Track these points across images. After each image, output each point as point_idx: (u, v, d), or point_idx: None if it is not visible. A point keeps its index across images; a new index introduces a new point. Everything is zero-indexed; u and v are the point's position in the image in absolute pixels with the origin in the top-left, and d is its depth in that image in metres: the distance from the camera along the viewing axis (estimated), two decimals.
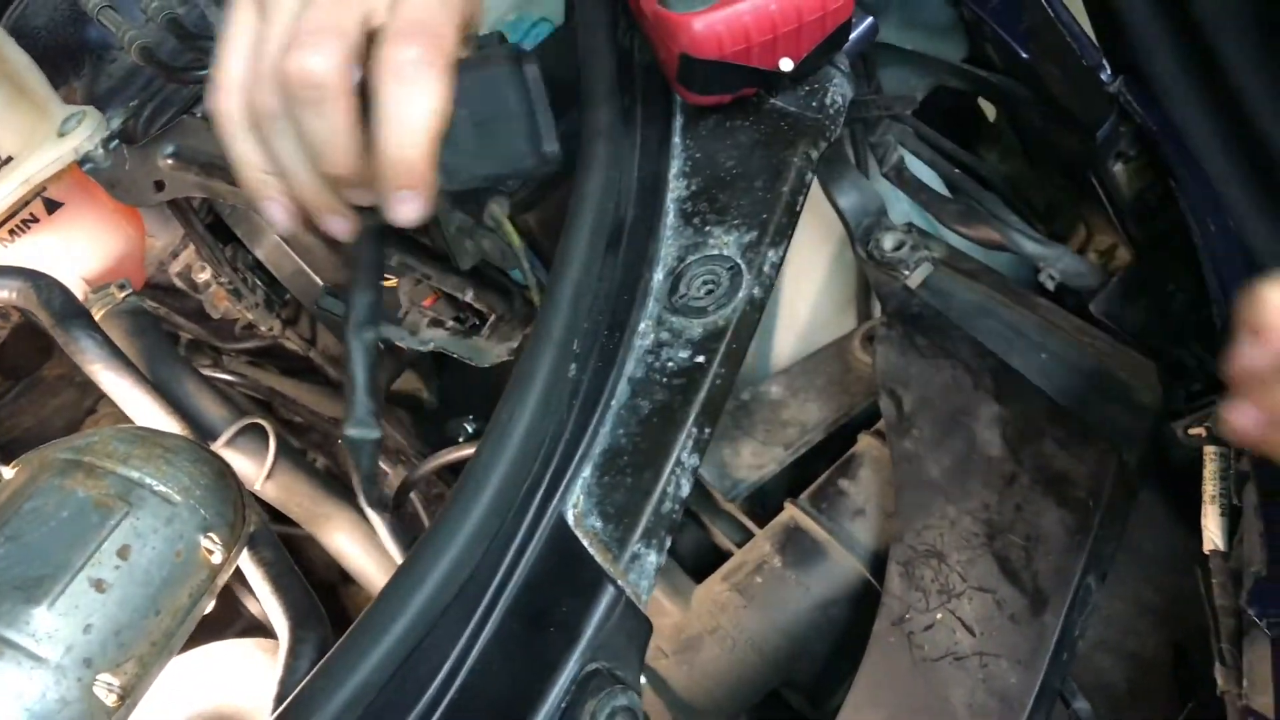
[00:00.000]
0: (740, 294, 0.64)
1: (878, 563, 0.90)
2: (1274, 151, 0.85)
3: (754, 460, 1.04)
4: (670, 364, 0.63)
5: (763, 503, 1.07)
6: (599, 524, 0.59)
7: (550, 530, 0.58)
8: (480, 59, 0.65)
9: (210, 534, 0.69)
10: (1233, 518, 0.78)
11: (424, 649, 0.55)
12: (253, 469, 0.86)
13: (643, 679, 0.87)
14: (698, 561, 1.05)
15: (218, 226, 1.15)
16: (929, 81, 1.08)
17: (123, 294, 0.89)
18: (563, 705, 0.54)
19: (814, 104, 0.79)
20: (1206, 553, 0.78)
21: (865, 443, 0.98)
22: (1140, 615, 0.99)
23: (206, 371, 1.31)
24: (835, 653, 0.90)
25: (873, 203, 0.99)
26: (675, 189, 0.74)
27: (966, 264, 0.97)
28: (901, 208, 1.07)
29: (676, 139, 0.78)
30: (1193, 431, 0.83)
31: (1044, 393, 0.86)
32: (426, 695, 0.54)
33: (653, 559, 0.59)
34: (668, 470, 0.60)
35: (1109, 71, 0.87)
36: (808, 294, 1.12)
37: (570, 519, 0.59)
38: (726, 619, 0.90)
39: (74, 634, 0.62)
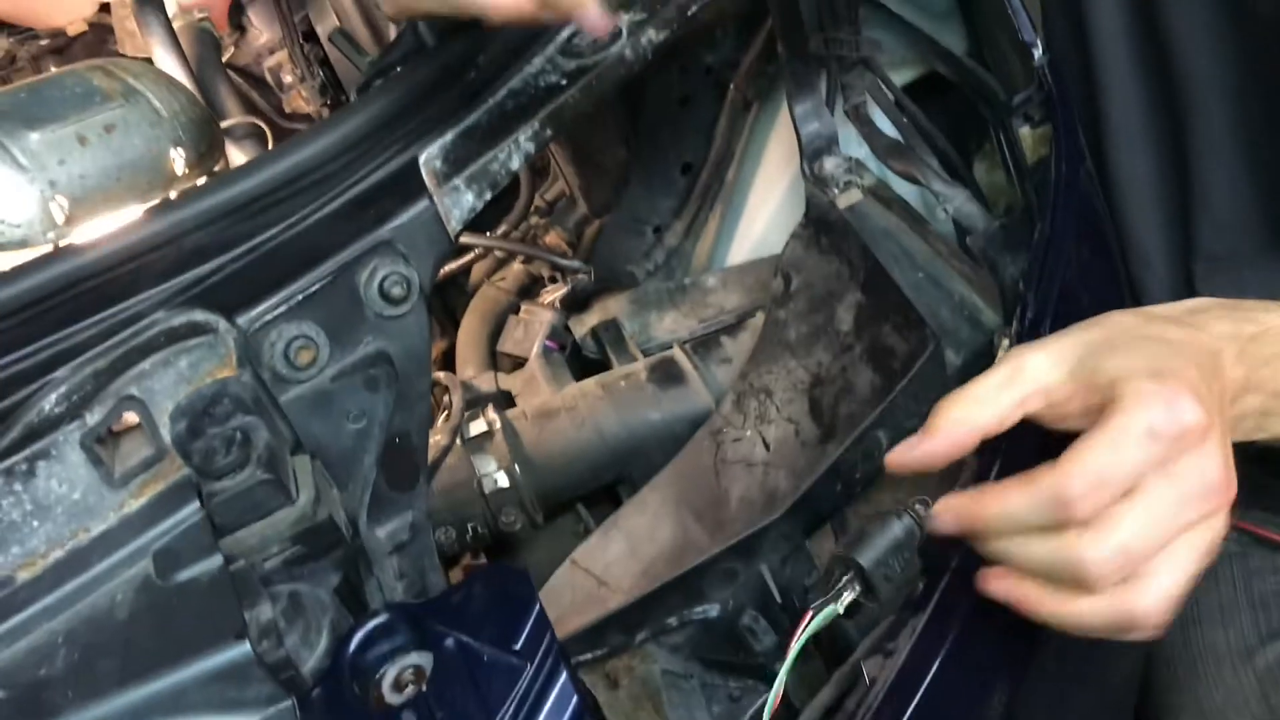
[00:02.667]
0: (613, 50, 0.80)
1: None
2: None
3: (671, 326, 1.19)
4: (541, 83, 0.79)
5: None
6: (439, 165, 0.75)
7: (403, 163, 0.75)
8: None
9: (180, 148, 0.88)
10: None
11: (277, 210, 0.72)
12: None
13: (498, 421, 1.02)
14: None
15: (311, 35, 1.36)
16: (919, 58, 1.22)
17: (199, 16, 1.11)
18: (358, 254, 0.71)
19: None
20: None
21: (759, 317, 1.12)
22: None
23: None
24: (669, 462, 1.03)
25: (827, 129, 1.14)
26: None
27: (886, 193, 1.11)
28: (863, 152, 1.21)
29: None
30: (1006, 340, 0.95)
31: (900, 289, 0.99)
32: (271, 231, 0.71)
33: (469, 198, 0.75)
34: (506, 143, 0.76)
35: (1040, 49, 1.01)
36: (766, 212, 1.26)
37: (421, 160, 0.75)
38: (584, 404, 1.04)
39: (50, 160, 0.82)
